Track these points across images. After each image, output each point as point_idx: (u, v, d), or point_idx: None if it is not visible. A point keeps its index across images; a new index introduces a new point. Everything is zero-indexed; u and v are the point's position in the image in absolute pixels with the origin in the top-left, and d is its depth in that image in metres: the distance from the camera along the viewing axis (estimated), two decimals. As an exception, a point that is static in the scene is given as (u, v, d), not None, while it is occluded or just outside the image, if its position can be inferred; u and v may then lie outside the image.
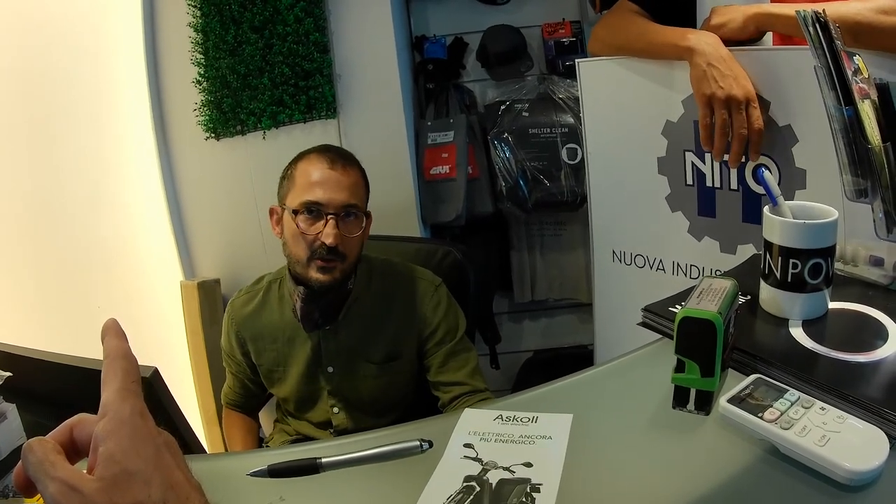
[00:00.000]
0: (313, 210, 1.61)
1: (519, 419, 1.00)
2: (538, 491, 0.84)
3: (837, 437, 0.80)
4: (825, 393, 0.89)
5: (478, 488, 0.86)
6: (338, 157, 1.66)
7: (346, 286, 1.71)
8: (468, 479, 0.88)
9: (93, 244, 2.36)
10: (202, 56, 2.45)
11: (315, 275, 1.63)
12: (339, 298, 1.71)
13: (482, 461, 0.91)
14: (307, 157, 1.68)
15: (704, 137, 1.55)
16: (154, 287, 2.62)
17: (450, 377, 1.75)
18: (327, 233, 1.59)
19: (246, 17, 2.39)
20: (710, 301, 0.93)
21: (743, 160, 1.55)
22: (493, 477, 0.88)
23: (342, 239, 1.61)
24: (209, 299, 2.60)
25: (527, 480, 0.86)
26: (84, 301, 2.29)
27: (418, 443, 0.95)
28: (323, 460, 0.95)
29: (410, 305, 1.76)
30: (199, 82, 2.47)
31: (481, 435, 0.97)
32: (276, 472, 0.96)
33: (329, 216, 1.60)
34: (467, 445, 0.95)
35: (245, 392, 1.94)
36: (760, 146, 1.49)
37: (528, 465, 0.89)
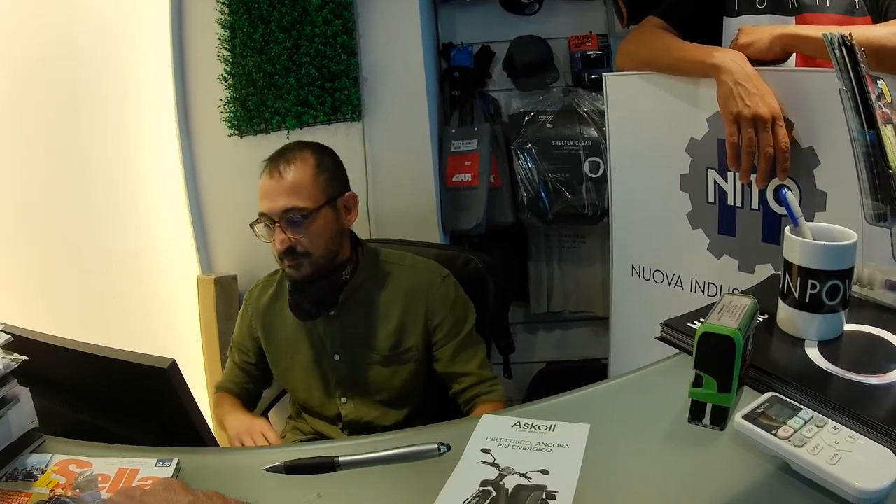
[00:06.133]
0: (263, 220, 1.69)
1: (536, 427, 1.01)
2: (553, 498, 0.85)
3: (849, 457, 0.81)
4: (838, 413, 0.90)
5: (494, 493, 0.87)
6: (277, 161, 1.70)
7: (338, 276, 1.76)
8: (485, 483, 0.89)
9: (112, 236, 2.38)
10: (229, 53, 2.48)
11: (288, 272, 1.73)
12: (331, 288, 1.76)
13: (499, 467, 0.92)
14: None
15: (731, 156, 1.54)
16: (171, 280, 2.65)
17: (461, 368, 1.80)
18: (276, 240, 1.67)
19: (274, 17, 2.42)
20: (730, 317, 0.94)
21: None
22: (510, 483, 0.89)
23: (295, 241, 1.67)
24: (225, 295, 2.62)
25: (543, 487, 0.87)
26: (101, 291, 2.31)
27: (436, 446, 0.96)
28: (340, 459, 0.97)
29: (417, 296, 1.80)
30: (224, 79, 2.50)
31: (499, 441, 0.98)
32: (292, 468, 0.97)
33: (274, 224, 1.67)
34: (485, 450, 0.96)
35: (241, 381, 1.95)
36: (789, 165, 1.49)
37: (545, 472, 0.90)
